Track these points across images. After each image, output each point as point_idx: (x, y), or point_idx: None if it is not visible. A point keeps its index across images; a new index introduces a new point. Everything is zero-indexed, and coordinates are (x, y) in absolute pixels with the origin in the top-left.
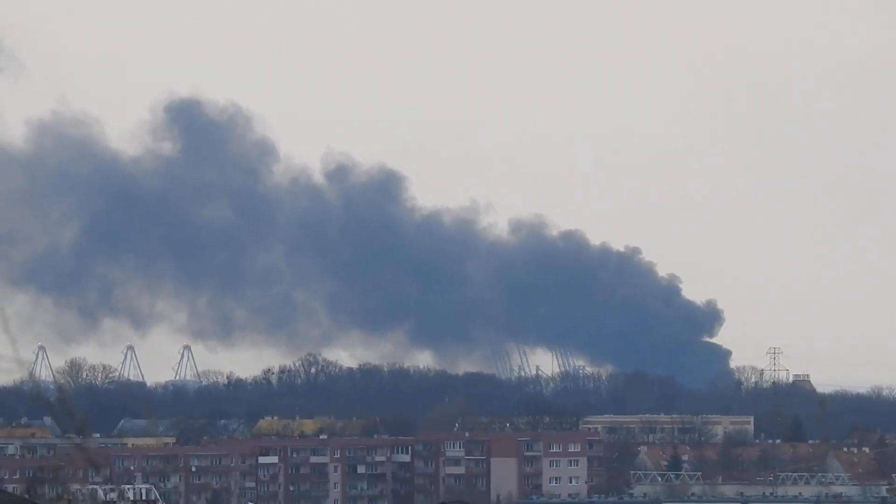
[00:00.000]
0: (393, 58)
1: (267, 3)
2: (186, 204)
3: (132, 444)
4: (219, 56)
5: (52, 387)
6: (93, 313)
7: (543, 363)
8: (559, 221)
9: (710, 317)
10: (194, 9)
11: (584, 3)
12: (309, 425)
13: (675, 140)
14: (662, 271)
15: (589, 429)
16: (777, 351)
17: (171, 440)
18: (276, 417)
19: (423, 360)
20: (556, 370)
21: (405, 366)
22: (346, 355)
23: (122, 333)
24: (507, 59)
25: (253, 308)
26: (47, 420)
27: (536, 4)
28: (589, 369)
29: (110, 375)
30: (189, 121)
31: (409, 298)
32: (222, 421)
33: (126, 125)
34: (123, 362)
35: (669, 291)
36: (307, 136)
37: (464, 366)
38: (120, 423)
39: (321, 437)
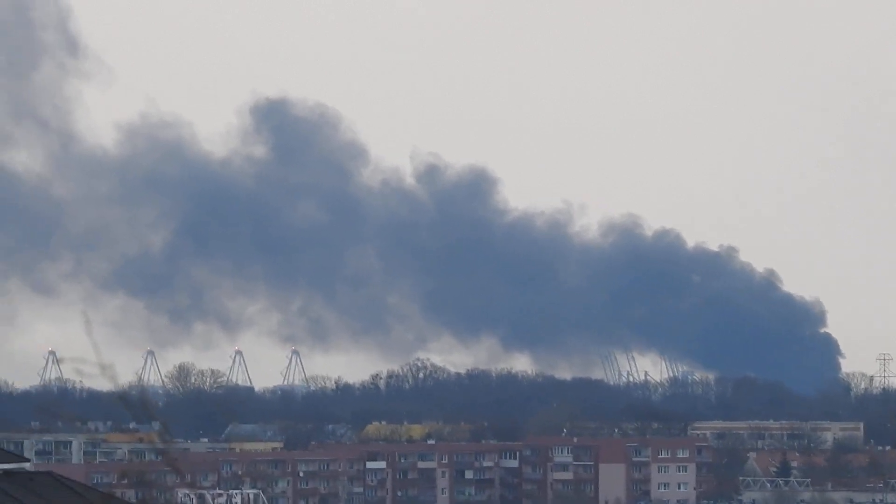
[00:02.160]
0: (482, 58)
1: (349, 4)
2: (277, 205)
3: (240, 449)
4: (303, 56)
5: (160, 391)
6: (184, 317)
7: (652, 368)
8: (653, 221)
9: (815, 319)
10: (277, 10)
11: (685, 4)
12: (417, 430)
13: (777, 136)
14: (761, 270)
15: (697, 434)
16: (887, 357)
17: (278, 445)
18: (383, 422)
19: (520, 363)
20: (665, 375)
21: (513, 370)
22: (439, 359)
23: (214, 337)
24: (600, 61)
25: (345, 311)
26: (155, 425)
27: (634, 9)
28: (697, 375)
29: (219, 380)
30: (277, 122)
31: (503, 301)
32: (330, 426)
33: (213, 127)
34: (231, 367)
35: (770, 291)
36: (393, 136)
37: (562, 369)
38: (228, 428)
39: (429, 441)
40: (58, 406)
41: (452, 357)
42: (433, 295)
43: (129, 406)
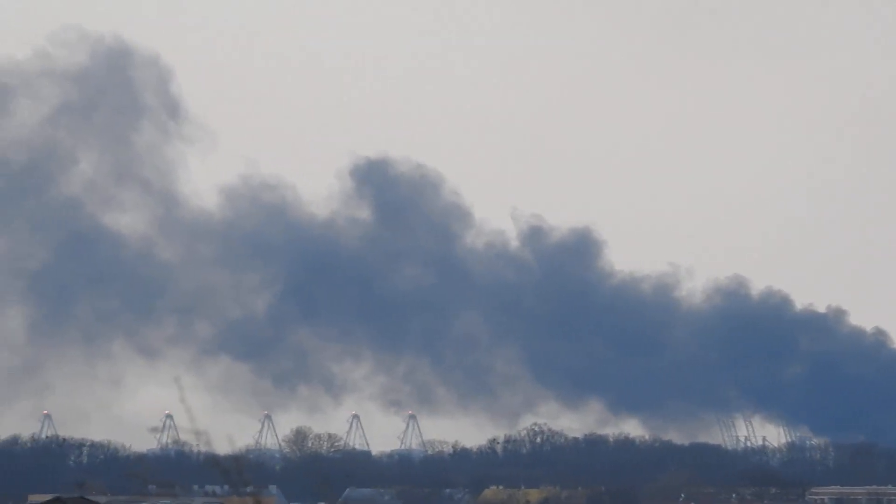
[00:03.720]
0: (585, 119)
1: (447, 64)
2: (381, 268)
3: None
4: (402, 116)
5: (276, 455)
6: (288, 380)
7: (769, 433)
8: (758, 283)
9: None
10: (376, 70)
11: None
12: (534, 494)
13: (882, 196)
14: (870, 329)
15: (815, 500)
16: None
17: None
18: (501, 487)
19: (628, 427)
20: (782, 440)
21: (630, 435)
22: (547, 423)
23: (319, 400)
24: (703, 124)
25: (451, 374)
26: (272, 488)
27: (737, 75)
28: (815, 440)
29: (336, 444)
30: (379, 183)
31: (609, 364)
32: (448, 490)
33: (314, 188)
34: (349, 431)
35: (879, 351)
36: (494, 196)
37: (672, 433)
38: (345, 492)
39: None
40: (150, 470)
41: (560, 421)
42: (539, 358)
43: (224, 471)
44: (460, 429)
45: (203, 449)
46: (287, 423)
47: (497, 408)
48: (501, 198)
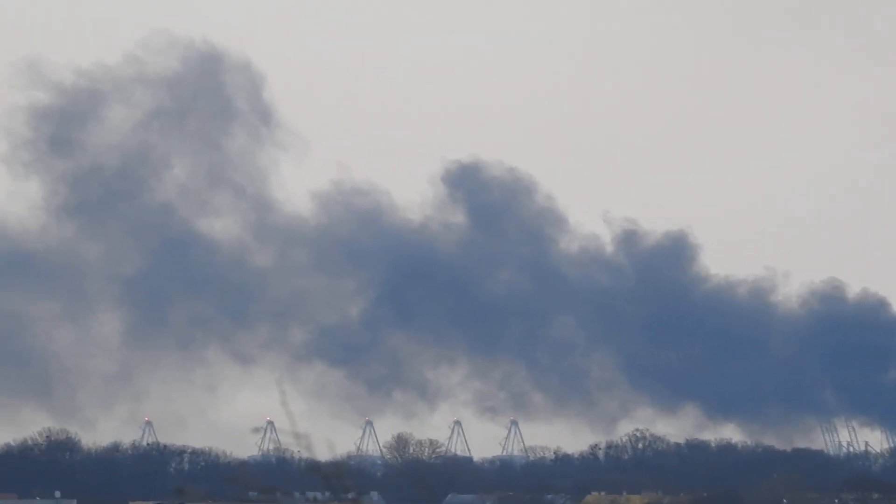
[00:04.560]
0: (680, 121)
1: (534, 64)
2: (476, 273)
3: None
4: (492, 119)
5: (378, 462)
6: (383, 386)
7: (869, 438)
8: (855, 286)
9: None
10: (465, 74)
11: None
12: (636, 501)
13: None
14: None
15: None
16: None
17: None
18: (603, 493)
19: (727, 432)
20: (885, 445)
21: (732, 440)
22: (647, 428)
23: (414, 407)
24: (802, 125)
25: (547, 380)
26: (373, 494)
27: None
28: None
29: (437, 450)
30: (471, 188)
31: (705, 369)
32: (549, 496)
33: (405, 192)
34: (450, 437)
35: None
36: (585, 198)
37: (770, 438)
38: (447, 498)
39: None
40: (250, 476)
41: (656, 427)
42: (634, 363)
43: (324, 477)
44: (555, 434)
45: (304, 455)
46: (385, 429)
47: (593, 413)
48: (593, 201)
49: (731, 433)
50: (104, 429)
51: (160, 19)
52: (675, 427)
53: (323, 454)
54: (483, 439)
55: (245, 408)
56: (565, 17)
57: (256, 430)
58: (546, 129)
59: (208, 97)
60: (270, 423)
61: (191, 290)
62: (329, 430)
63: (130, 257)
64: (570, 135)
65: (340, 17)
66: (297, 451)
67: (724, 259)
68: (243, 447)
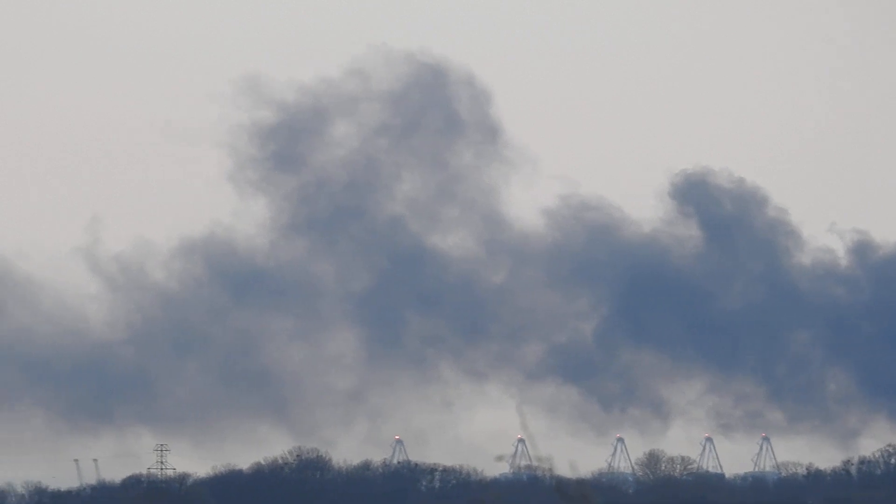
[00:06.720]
0: None
1: (757, 76)
2: (709, 287)
3: None
4: (721, 129)
5: (630, 479)
6: (617, 402)
7: None
8: None
9: None
10: (682, 85)
11: None
12: None
13: None
14: None
15: None
16: None
17: None
18: None
19: None
20: None
21: None
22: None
23: (649, 424)
24: None
25: (784, 395)
26: None
27: None
28: None
29: (689, 467)
30: (701, 200)
31: None
32: None
33: (632, 204)
34: (702, 454)
35: None
36: (814, 209)
37: None
38: None
39: None
40: (498, 496)
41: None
42: (872, 377)
43: (565, 496)
44: (793, 449)
45: (550, 474)
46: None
47: (829, 429)
48: (820, 212)
49: None
50: (344, 446)
51: (375, 32)
52: None
53: (565, 472)
54: (734, 456)
55: (483, 425)
56: (811, 24)
57: (500, 457)
58: (770, 140)
59: (434, 112)
60: (521, 440)
61: (423, 307)
62: (567, 449)
63: (361, 274)
64: (796, 146)
65: (556, 35)
66: (545, 469)
67: None
68: (492, 465)
